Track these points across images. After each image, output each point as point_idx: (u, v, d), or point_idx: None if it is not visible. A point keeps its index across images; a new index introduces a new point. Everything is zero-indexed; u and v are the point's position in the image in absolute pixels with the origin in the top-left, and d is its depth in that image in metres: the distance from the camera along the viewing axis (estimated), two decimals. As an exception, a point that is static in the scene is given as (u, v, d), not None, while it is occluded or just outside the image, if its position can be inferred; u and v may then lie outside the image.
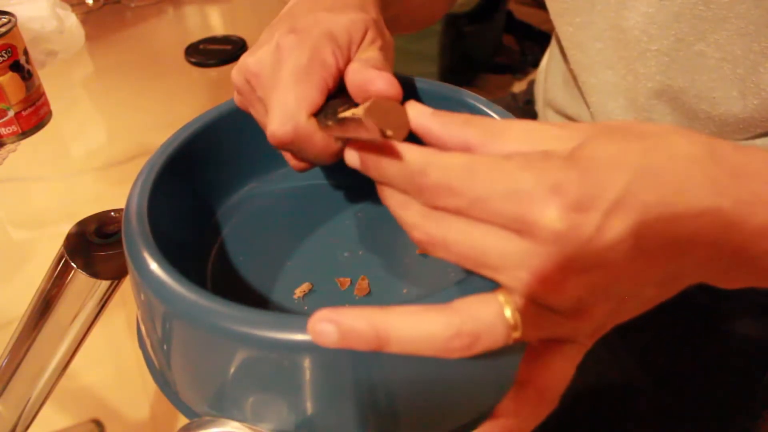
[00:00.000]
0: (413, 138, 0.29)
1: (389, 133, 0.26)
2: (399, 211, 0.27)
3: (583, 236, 0.22)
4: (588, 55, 0.53)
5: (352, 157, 0.29)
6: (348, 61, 0.35)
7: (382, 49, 0.36)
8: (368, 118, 0.26)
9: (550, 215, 0.22)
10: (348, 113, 0.29)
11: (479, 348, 0.24)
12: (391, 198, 0.27)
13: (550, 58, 0.68)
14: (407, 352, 0.24)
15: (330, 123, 0.31)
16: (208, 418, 0.35)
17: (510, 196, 0.23)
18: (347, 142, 0.30)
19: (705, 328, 0.55)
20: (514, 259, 0.23)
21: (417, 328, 0.24)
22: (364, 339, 0.24)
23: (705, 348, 0.54)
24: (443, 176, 0.24)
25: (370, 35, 0.36)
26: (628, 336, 0.54)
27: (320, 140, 0.33)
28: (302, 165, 0.39)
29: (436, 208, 0.25)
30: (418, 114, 0.28)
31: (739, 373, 0.54)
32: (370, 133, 0.26)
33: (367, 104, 0.31)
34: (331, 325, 0.24)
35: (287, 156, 0.39)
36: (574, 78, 0.59)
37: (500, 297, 0.25)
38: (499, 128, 0.26)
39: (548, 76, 0.67)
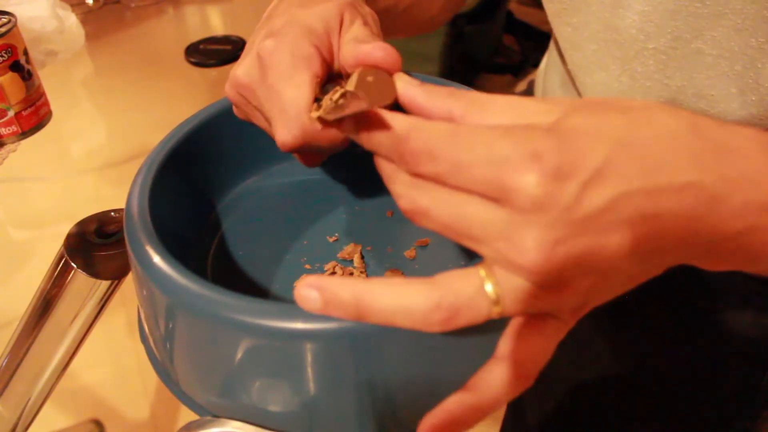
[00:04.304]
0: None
1: (379, 100, 0.26)
2: (388, 180, 0.27)
3: (561, 204, 0.22)
4: (584, 56, 0.53)
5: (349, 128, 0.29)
6: (330, 48, 0.35)
7: (365, 24, 0.36)
8: (358, 90, 0.26)
9: (528, 181, 0.22)
10: (337, 94, 0.29)
11: (459, 322, 0.24)
12: (383, 167, 0.27)
13: (548, 58, 0.68)
14: (387, 323, 0.25)
15: (325, 111, 0.31)
16: (208, 418, 0.35)
17: (489, 163, 0.23)
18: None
19: (705, 329, 0.54)
20: (494, 229, 0.23)
21: (397, 300, 0.24)
22: (345, 307, 0.25)
23: (705, 348, 0.54)
24: (425, 142, 0.24)
25: (347, 17, 0.36)
26: (628, 336, 0.54)
27: (330, 131, 0.33)
28: (314, 160, 0.39)
29: (418, 175, 0.25)
30: (405, 84, 0.29)
31: (739, 373, 0.54)
32: (360, 103, 0.26)
33: (354, 76, 0.31)
34: (315, 291, 0.25)
35: (298, 156, 0.39)
36: (572, 79, 0.59)
37: (481, 271, 0.25)
38: (483, 101, 0.27)
39: (547, 77, 0.67)
